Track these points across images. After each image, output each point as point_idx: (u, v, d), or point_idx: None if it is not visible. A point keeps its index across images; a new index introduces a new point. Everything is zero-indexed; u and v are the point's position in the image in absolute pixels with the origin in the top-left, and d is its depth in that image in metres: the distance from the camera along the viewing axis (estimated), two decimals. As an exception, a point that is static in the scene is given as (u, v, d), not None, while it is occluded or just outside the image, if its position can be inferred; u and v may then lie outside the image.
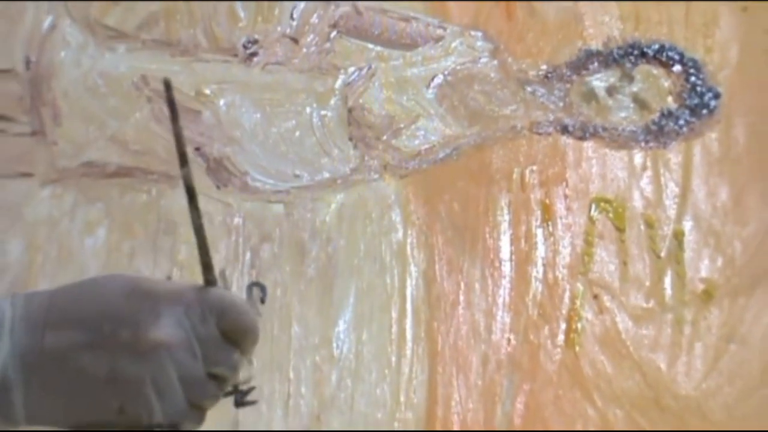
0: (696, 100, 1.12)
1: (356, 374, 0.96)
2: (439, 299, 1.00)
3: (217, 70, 1.06)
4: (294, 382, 0.94)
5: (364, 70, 1.09)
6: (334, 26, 1.10)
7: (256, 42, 1.08)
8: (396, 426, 0.94)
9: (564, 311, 1.01)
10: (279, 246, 1.00)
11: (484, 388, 0.97)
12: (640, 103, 1.12)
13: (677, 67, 1.14)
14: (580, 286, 1.02)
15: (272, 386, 0.94)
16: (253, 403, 0.81)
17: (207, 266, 0.68)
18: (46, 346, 0.63)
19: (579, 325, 1.01)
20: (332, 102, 1.07)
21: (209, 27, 1.08)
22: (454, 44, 1.12)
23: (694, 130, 1.11)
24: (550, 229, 1.05)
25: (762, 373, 1.00)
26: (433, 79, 1.10)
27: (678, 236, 1.06)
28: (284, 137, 1.05)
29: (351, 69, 1.09)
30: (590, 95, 1.12)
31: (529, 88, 1.11)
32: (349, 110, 1.07)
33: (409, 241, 1.02)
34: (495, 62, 1.12)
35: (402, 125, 1.07)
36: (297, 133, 1.05)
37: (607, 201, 1.07)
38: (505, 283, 1.02)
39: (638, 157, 1.09)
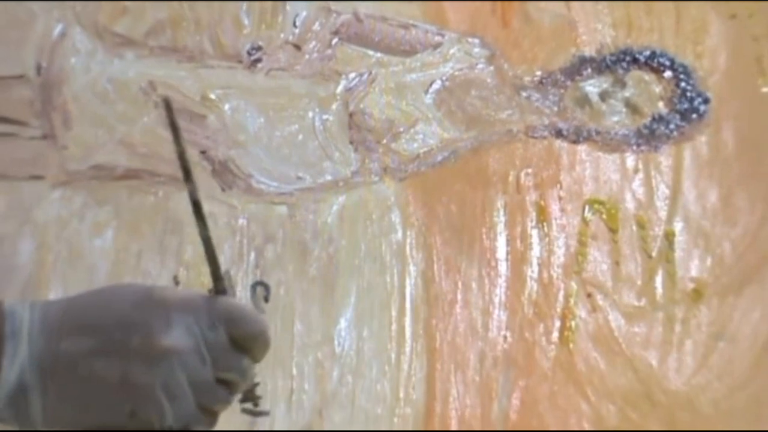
0: (686, 105, 1.12)
1: (357, 370, 0.96)
2: (437, 298, 1.00)
3: (222, 75, 1.05)
4: (297, 378, 0.94)
5: (365, 76, 1.09)
6: (335, 33, 1.10)
7: (260, 49, 1.07)
8: (395, 421, 0.94)
9: (558, 309, 1.01)
10: (282, 246, 1.00)
11: (481, 384, 0.97)
12: (632, 108, 1.12)
13: (668, 73, 1.14)
14: (574, 285, 1.03)
15: (276, 382, 0.93)
16: (265, 413, 0.81)
17: (216, 276, 0.68)
18: (61, 352, 0.63)
19: (573, 323, 1.01)
20: (334, 107, 1.07)
21: (215, 34, 1.07)
22: (451, 51, 1.12)
23: (685, 134, 1.11)
24: (545, 229, 1.05)
25: (749, 369, 1.00)
26: (431, 84, 1.10)
27: (669, 237, 1.06)
28: (287, 141, 1.04)
29: (352, 75, 1.09)
30: (584, 100, 1.12)
31: (524, 93, 1.11)
32: (350, 115, 1.06)
33: (408, 241, 1.02)
34: (491, 68, 1.12)
35: (401, 129, 1.07)
36: (300, 137, 1.05)
37: (600, 202, 1.07)
38: (502, 282, 1.02)
39: (630, 160, 1.09)
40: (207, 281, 0.93)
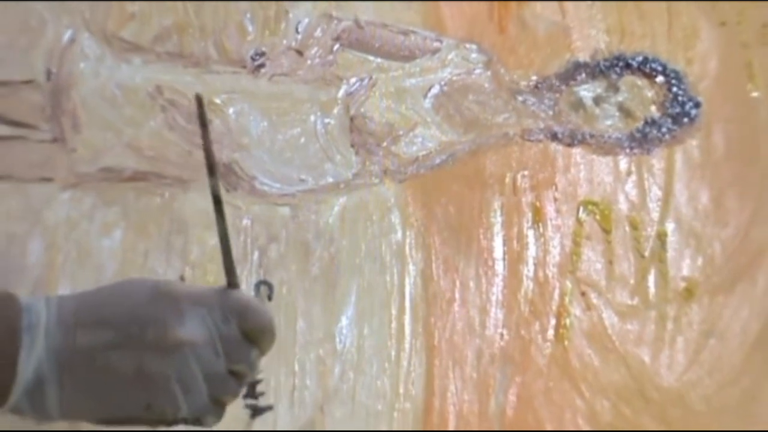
0: (678, 109, 1.12)
1: (358, 367, 0.96)
2: (436, 296, 1.00)
3: (226, 80, 1.05)
4: (299, 375, 0.94)
5: (365, 81, 1.09)
6: (336, 39, 1.10)
7: (263, 54, 1.07)
8: (395, 416, 0.94)
9: (553, 308, 1.02)
10: (285, 246, 0.99)
11: (479, 381, 0.97)
12: (625, 112, 1.12)
13: (660, 78, 1.14)
14: (568, 284, 1.03)
15: (278, 378, 0.93)
16: (269, 408, 0.83)
17: (230, 270, 0.68)
18: (78, 346, 0.64)
19: (568, 321, 1.01)
20: (335, 111, 1.07)
21: (219, 40, 1.07)
22: (450, 56, 1.12)
23: (676, 138, 1.11)
24: (541, 230, 1.05)
25: (739, 366, 1.01)
26: (430, 89, 1.10)
27: (661, 237, 1.06)
28: (290, 144, 1.04)
29: (353, 79, 1.08)
30: (578, 104, 1.12)
31: (520, 98, 1.12)
32: (351, 118, 1.06)
33: (407, 241, 1.02)
34: (488, 73, 1.12)
35: (401, 133, 1.07)
36: (302, 140, 1.05)
37: (594, 204, 1.07)
38: (498, 281, 1.03)
39: (623, 163, 1.10)
40: (212, 280, 0.96)
